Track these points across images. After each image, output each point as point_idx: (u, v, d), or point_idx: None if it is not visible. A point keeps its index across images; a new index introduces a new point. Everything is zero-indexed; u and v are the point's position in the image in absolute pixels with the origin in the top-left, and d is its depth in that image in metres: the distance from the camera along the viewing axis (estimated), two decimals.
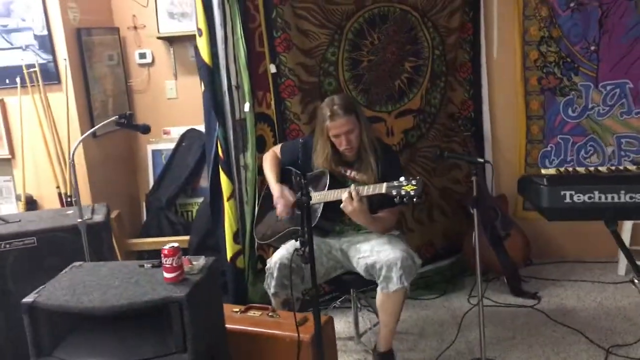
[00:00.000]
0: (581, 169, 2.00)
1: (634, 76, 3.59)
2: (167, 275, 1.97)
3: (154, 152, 4.06)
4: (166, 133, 4.07)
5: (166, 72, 4.01)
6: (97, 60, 3.69)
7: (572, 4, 3.57)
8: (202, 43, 2.96)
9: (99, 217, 2.80)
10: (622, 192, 1.78)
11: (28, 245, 2.68)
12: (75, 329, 2.02)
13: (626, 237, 3.43)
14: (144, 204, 4.02)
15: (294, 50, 3.08)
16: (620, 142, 3.68)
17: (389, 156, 2.72)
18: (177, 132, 4.03)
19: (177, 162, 3.98)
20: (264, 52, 3.06)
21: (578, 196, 1.80)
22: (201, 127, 3.74)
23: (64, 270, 2.17)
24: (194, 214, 3.92)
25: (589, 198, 1.80)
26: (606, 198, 1.80)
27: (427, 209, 3.65)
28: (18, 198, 3.47)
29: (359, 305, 3.00)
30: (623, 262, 3.57)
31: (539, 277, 3.59)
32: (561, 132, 3.74)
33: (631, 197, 1.78)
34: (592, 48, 3.60)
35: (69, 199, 3.34)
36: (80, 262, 2.25)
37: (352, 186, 2.49)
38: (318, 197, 2.59)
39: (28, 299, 1.94)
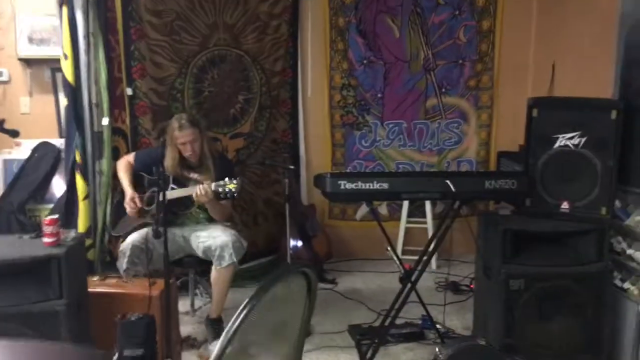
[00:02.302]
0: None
1: (407, 118, 4.82)
2: (47, 240, 2.53)
3: (6, 161, 4.40)
4: (18, 145, 4.44)
5: (22, 90, 4.42)
6: None
7: (364, 61, 4.73)
8: (67, 66, 3.54)
9: None
10: (375, 181, 2.75)
11: None
12: None
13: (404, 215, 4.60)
14: None
15: (147, 78, 3.79)
16: (398, 167, 4.87)
17: (224, 163, 3.50)
18: (28, 144, 4.42)
19: (29, 171, 4.35)
20: (122, 77, 3.73)
21: (348, 184, 2.74)
22: (53, 140, 4.23)
23: None
24: (43, 217, 4.32)
25: (355, 185, 2.75)
26: (366, 186, 2.76)
27: (252, 214, 4.48)
28: None
29: (196, 288, 3.70)
30: None
31: (337, 269, 4.58)
32: (357, 157, 4.84)
33: (380, 185, 2.76)
34: (379, 95, 4.78)
35: None
36: None
37: (204, 184, 3.19)
38: (166, 195, 3.28)
39: None
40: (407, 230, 4.75)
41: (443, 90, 4.82)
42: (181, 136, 3.27)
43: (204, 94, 4.09)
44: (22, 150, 4.42)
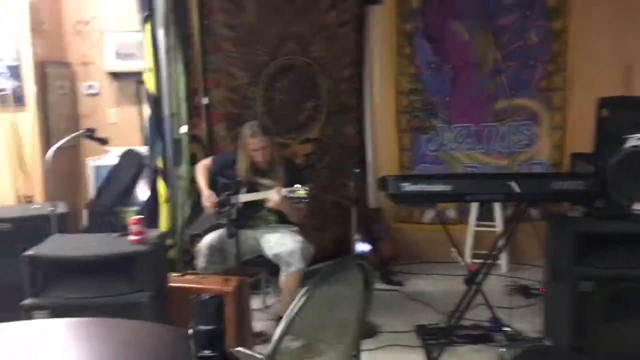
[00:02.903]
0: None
1: (476, 121, 4.81)
2: (132, 237, 2.77)
3: (97, 167, 4.77)
4: (106, 152, 4.80)
5: (110, 102, 4.79)
6: (52, 89, 4.41)
7: (432, 66, 4.77)
8: (150, 78, 3.81)
9: (62, 210, 3.52)
10: (438, 183, 2.81)
11: (3, 229, 3.35)
12: (63, 276, 2.73)
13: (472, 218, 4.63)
14: (84, 210, 4.69)
15: (222, 88, 4.03)
16: (466, 170, 4.86)
17: (293, 169, 3.65)
18: (116, 152, 4.77)
19: (116, 176, 4.71)
20: (199, 88, 3.98)
21: (411, 186, 2.82)
22: (138, 148, 4.55)
23: (49, 237, 2.90)
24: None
25: (418, 187, 2.82)
26: (429, 188, 2.83)
27: (321, 217, 4.61)
28: None
29: (267, 287, 3.87)
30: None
31: (404, 271, 4.62)
32: (424, 161, 4.87)
33: (443, 187, 2.82)
34: (447, 99, 4.80)
35: (27, 200, 4.00)
36: (61, 233, 2.99)
37: (276, 189, 3.36)
38: (239, 198, 3.47)
39: (29, 252, 2.65)
40: (476, 233, 4.73)
41: (513, 92, 4.77)
42: (253, 143, 3.45)
43: (275, 102, 4.28)
44: (110, 157, 4.79)
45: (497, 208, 4.65)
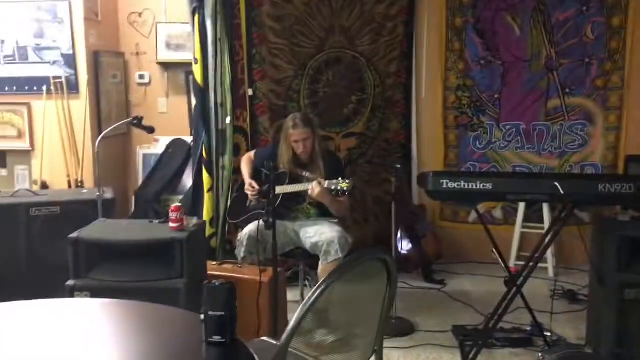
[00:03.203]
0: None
1: (526, 119, 4.67)
2: (172, 225, 2.82)
3: (145, 155, 4.90)
4: (155, 141, 4.92)
5: (160, 91, 4.91)
6: (105, 78, 4.55)
7: (482, 61, 4.65)
8: (197, 69, 3.87)
9: (109, 195, 3.64)
10: (478, 181, 2.75)
11: (53, 212, 3.49)
12: (104, 259, 2.82)
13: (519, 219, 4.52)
14: (132, 197, 4.84)
15: (267, 80, 4.06)
16: (515, 170, 4.73)
17: (334, 162, 3.65)
18: (164, 140, 4.89)
19: (164, 165, 4.83)
20: (244, 79, 4.02)
21: (451, 183, 2.76)
22: (185, 138, 4.64)
23: (93, 222, 2.99)
24: None
25: (458, 185, 2.76)
26: (469, 185, 2.76)
27: (362, 212, 4.59)
28: (34, 182, 4.25)
29: (306, 279, 3.88)
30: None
31: (447, 270, 4.55)
32: (471, 159, 4.77)
33: (484, 186, 2.75)
34: (496, 96, 4.68)
35: (78, 185, 4.15)
36: (105, 219, 3.09)
37: (318, 179, 3.36)
38: (280, 190, 3.49)
39: (73, 235, 2.75)
40: (522, 235, 4.60)
41: (567, 90, 4.61)
42: (295, 134, 3.46)
43: (319, 95, 4.28)
44: (159, 146, 4.91)
45: (545, 210, 4.51)
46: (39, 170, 4.24)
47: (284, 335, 1.23)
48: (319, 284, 1.25)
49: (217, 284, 1.21)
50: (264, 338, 1.48)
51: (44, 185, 4.22)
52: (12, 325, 1.72)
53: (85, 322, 1.74)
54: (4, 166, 4.31)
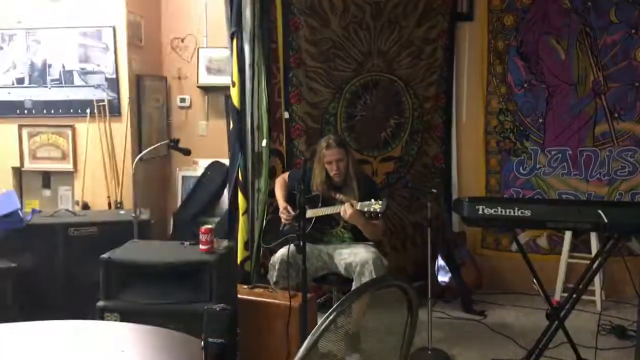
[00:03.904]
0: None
1: (572, 145, 4.50)
2: (202, 247, 2.82)
3: (184, 177, 4.96)
4: (195, 163, 4.98)
5: (200, 115, 4.97)
6: (147, 101, 4.65)
7: (525, 85, 4.53)
8: (234, 92, 3.90)
9: (145, 217, 3.67)
10: (516, 207, 2.63)
11: (91, 233, 3.55)
12: (134, 280, 2.82)
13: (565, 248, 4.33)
14: (171, 219, 4.88)
15: (303, 103, 4.05)
16: (561, 197, 4.54)
17: (368, 185, 3.58)
18: (204, 163, 4.94)
19: (202, 187, 4.87)
20: (281, 102, 4.02)
21: (487, 209, 2.66)
22: (224, 160, 4.66)
23: (125, 243, 3.01)
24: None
25: (495, 211, 2.66)
26: (506, 212, 2.65)
27: (401, 238, 4.48)
28: (76, 203, 4.35)
29: None
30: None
31: (487, 301, 4.37)
32: (514, 185, 4.62)
33: (522, 212, 2.63)
34: (540, 120, 4.53)
35: (118, 205, 4.22)
36: (137, 240, 3.11)
37: (351, 201, 3.30)
38: (312, 212, 3.45)
39: (104, 255, 2.77)
40: (569, 265, 4.39)
41: (616, 115, 4.42)
42: (328, 155, 3.42)
43: (356, 118, 4.24)
44: (198, 169, 4.97)
45: (593, 239, 4.30)
46: (81, 191, 4.33)
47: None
48: (335, 306, 1.19)
49: (217, 308, 1.16)
50: None
51: (85, 206, 4.31)
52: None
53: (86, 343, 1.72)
54: (48, 187, 4.42)
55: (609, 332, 3.78)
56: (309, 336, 1.16)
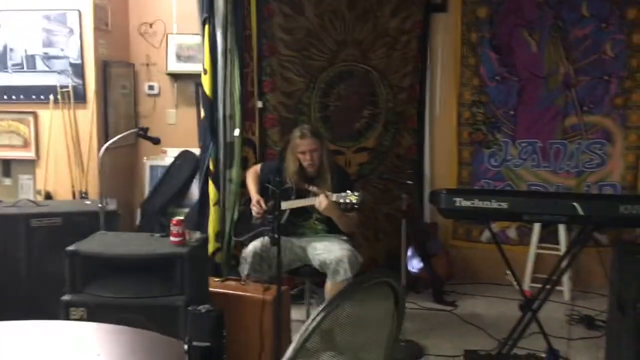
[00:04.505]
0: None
1: (543, 137, 4.54)
2: (173, 239, 2.72)
3: (152, 167, 4.83)
4: (163, 152, 4.85)
5: (169, 103, 4.84)
6: (114, 88, 4.50)
7: (497, 77, 4.54)
8: (206, 80, 3.79)
9: (112, 207, 3.55)
10: (493, 200, 2.62)
11: (55, 223, 3.40)
12: (101, 273, 2.71)
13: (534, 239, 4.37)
14: (138, 209, 4.75)
15: (277, 92, 3.97)
16: (530, 189, 4.59)
17: (342, 176, 3.53)
18: (172, 152, 4.81)
19: (171, 177, 4.75)
20: (254, 91, 3.94)
21: (464, 202, 2.64)
22: (194, 150, 4.55)
23: (92, 235, 2.90)
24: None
25: (472, 203, 2.64)
26: (483, 204, 2.64)
27: (373, 229, 4.47)
28: (38, 192, 4.19)
29: (312, 297, 3.76)
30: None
31: (458, 291, 4.40)
32: (485, 177, 4.64)
33: (499, 205, 2.63)
34: (512, 112, 4.55)
35: (82, 195, 4.07)
36: (104, 231, 2.99)
37: (326, 192, 3.25)
38: (286, 205, 3.38)
39: (70, 247, 2.65)
40: (537, 256, 4.44)
41: (585, 108, 4.48)
42: (302, 144, 3.36)
43: (330, 108, 4.18)
44: (166, 158, 4.84)
45: (561, 230, 4.36)
46: (43, 180, 4.17)
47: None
48: (323, 306, 1.14)
49: (202, 310, 1.09)
50: None
51: (48, 196, 4.15)
52: None
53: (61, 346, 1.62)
54: (8, 175, 4.25)
55: (578, 322, 3.84)
56: (297, 336, 1.10)
